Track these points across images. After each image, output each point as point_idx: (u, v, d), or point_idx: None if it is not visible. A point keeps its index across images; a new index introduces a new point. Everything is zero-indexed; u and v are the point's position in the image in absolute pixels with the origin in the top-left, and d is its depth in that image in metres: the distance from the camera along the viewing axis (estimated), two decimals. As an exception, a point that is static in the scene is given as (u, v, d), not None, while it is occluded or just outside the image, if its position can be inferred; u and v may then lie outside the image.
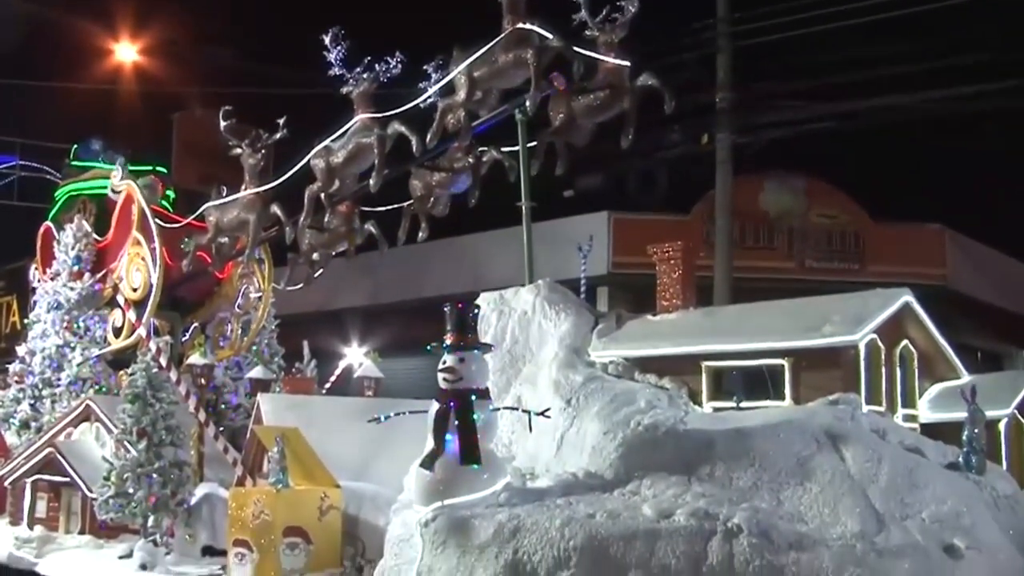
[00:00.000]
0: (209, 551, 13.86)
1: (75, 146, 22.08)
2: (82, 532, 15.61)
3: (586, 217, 23.21)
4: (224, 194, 16.13)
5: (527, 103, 12.27)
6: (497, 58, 12.40)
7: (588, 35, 12.02)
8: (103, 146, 21.75)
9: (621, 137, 12.11)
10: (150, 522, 13.86)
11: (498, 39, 12.36)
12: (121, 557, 13.92)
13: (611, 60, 11.90)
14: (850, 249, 25.49)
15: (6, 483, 17.22)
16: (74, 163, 21.89)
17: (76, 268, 19.49)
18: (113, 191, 18.90)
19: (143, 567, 13.21)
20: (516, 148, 13.24)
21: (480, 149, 13.59)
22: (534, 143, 12.88)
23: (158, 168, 21.49)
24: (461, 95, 12.79)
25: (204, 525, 14.11)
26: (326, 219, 14.98)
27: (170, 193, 21.01)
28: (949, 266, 25.16)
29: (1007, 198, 28.41)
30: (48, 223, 21.31)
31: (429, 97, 13.31)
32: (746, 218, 24.41)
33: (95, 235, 19.90)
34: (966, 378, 11.93)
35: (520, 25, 12.17)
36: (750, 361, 10.99)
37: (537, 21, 12.13)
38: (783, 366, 10.81)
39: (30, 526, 16.29)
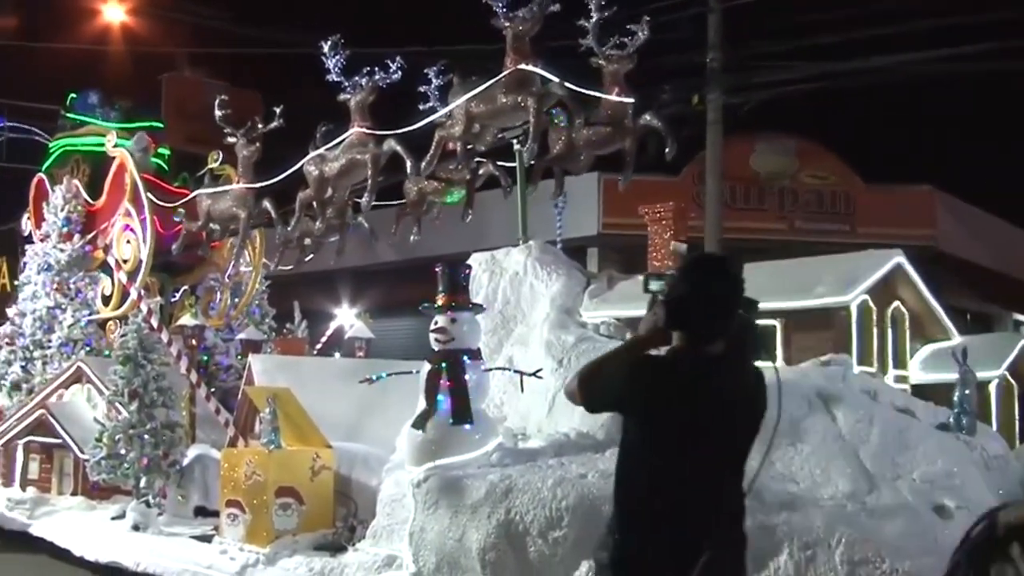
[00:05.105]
0: (201, 512, 13.87)
1: (72, 96, 21.80)
2: (74, 493, 15.58)
3: (577, 178, 23.11)
4: (219, 160, 16.26)
5: (525, 148, 12.17)
6: (497, 97, 12.20)
7: (594, 63, 11.91)
8: (100, 100, 21.52)
9: (620, 180, 12.12)
10: (142, 483, 13.86)
11: (499, 77, 12.15)
12: (114, 518, 13.94)
13: (614, 98, 11.79)
14: (840, 210, 25.45)
15: (-2, 445, 17.23)
16: (69, 115, 21.66)
17: (65, 230, 19.40)
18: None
19: (136, 528, 13.21)
20: (513, 165, 13.17)
21: (477, 161, 13.55)
22: (532, 162, 12.83)
23: (155, 124, 21.31)
24: (458, 129, 12.64)
25: (196, 486, 14.11)
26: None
27: (166, 151, 20.88)
28: (939, 228, 25.16)
29: (997, 160, 28.44)
30: (41, 175, 21.16)
31: (425, 125, 13.21)
32: (736, 179, 24.35)
33: (87, 197, 19.80)
34: (957, 339, 11.98)
35: (522, 66, 12.00)
36: (742, 322, 11.00)
37: (540, 63, 11.97)
38: (775, 327, 10.84)
39: (22, 487, 16.27)
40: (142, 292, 17.63)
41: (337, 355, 18.91)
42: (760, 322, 10.72)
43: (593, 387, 4.22)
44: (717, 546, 3.92)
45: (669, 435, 4.06)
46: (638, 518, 4.11)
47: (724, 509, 4.08)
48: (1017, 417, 12.03)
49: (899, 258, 11.54)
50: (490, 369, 10.41)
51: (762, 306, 10.73)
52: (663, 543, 4.00)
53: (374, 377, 11.21)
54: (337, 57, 13.46)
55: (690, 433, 4.04)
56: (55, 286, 19.03)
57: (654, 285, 4.30)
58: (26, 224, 21.00)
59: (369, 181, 13.40)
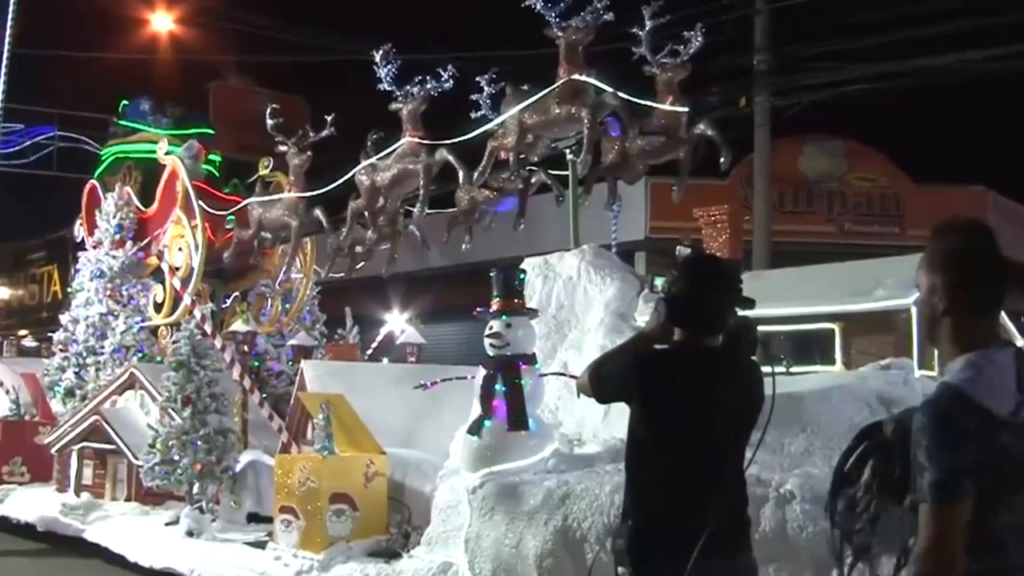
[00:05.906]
0: (255, 518, 13.92)
1: (124, 103, 21.92)
2: (128, 499, 15.67)
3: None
4: (270, 167, 16.38)
5: (579, 160, 12.08)
6: (550, 108, 12.08)
7: (647, 71, 11.82)
8: (151, 106, 21.64)
9: (674, 190, 12.06)
10: (196, 489, 13.90)
11: (552, 87, 12.04)
12: (167, 524, 13.99)
13: (668, 108, 11.70)
14: (890, 212, 25.20)
15: (53, 450, 17.35)
16: (121, 123, 21.78)
17: (118, 236, 19.53)
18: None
19: (189, 534, 13.25)
20: (565, 173, 13.12)
21: (529, 169, 13.48)
22: (585, 172, 12.75)
23: (206, 131, 21.43)
24: (510, 140, 12.54)
25: (249, 492, 14.16)
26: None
27: (217, 158, 20.98)
28: (992, 229, 24.80)
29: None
30: (94, 182, 21.32)
31: (477, 136, 13.14)
32: (785, 182, 24.19)
33: (139, 204, 19.91)
34: (1020, 341, 11.79)
35: (575, 76, 11.87)
36: (799, 325, 10.89)
37: (594, 73, 11.86)
38: (833, 330, 10.70)
39: (76, 493, 16.39)
40: (194, 298, 17.72)
41: (385, 360, 18.94)
42: (818, 325, 10.67)
43: (602, 379, 4.53)
44: (717, 527, 4.09)
45: (672, 423, 4.28)
46: (647, 504, 4.34)
47: (726, 494, 4.26)
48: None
49: (959, 259, 11.36)
50: (545, 374, 10.37)
51: (821, 309, 10.66)
52: (671, 528, 4.22)
53: (428, 383, 11.20)
54: (389, 66, 13.39)
55: (692, 421, 4.26)
56: (108, 293, 19.16)
57: (658, 284, 4.52)
58: (79, 231, 21.20)
59: (421, 191, 13.34)
